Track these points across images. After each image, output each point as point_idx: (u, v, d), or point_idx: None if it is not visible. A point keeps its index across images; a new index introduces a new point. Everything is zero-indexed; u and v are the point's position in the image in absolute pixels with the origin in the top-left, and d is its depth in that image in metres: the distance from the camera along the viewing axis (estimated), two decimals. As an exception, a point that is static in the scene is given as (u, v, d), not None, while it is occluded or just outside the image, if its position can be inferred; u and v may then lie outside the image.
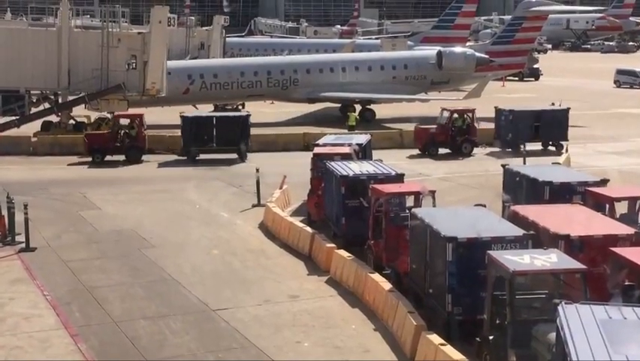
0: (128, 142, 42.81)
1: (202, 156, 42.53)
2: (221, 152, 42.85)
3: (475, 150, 44.30)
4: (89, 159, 42.45)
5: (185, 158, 42.65)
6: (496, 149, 44.16)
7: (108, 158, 42.39)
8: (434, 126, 44.83)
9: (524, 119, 44.33)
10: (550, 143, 45.13)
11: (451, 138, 44.12)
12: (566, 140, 44.60)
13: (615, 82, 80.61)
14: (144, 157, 42.93)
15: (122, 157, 42.42)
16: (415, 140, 44.83)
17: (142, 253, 27.13)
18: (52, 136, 46.61)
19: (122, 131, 42.99)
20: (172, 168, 41.67)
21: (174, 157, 43.32)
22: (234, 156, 42.74)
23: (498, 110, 45.24)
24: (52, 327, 20.99)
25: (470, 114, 44.59)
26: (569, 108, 45.90)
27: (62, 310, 21.94)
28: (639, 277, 16.40)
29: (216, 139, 42.68)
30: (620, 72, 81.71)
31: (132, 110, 45.41)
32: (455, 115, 44.64)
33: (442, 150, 43.96)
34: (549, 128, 44.52)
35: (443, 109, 45.63)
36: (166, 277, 24.65)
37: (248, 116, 44.15)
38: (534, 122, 44.31)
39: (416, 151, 44.55)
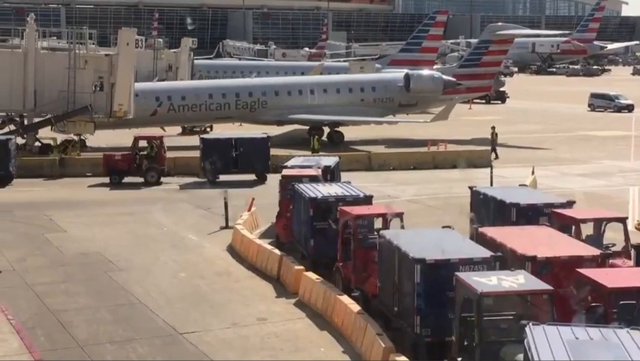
0: None
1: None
2: None
3: (170, 180, 42.69)
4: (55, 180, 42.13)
5: None
6: (202, 179, 42.33)
7: None
8: (123, 153, 43.08)
9: (220, 147, 42.10)
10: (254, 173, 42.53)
11: (137, 166, 42.20)
12: (267, 170, 42.36)
13: (589, 105, 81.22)
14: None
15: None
16: (103, 166, 42.84)
17: (108, 276, 26.87)
18: (18, 158, 46.10)
19: None
20: (135, 190, 41.38)
21: None
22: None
23: (201, 139, 43.10)
24: (17, 351, 20.66)
25: (158, 141, 42.84)
26: (269, 137, 44.02)
27: (27, 335, 21.60)
28: (604, 297, 16.53)
29: None
30: (594, 96, 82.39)
31: None
32: (144, 142, 42.73)
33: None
34: (248, 157, 42.12)
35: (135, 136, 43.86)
36: (133, 301, 24.41)
37: (9, 139, 42.60)
38: (232, 151, 42.00)
39: (384, 173, 44.74)
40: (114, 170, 42.53)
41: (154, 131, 50.13)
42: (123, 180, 42.38)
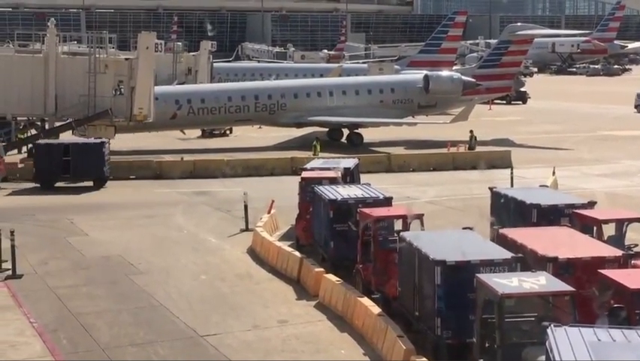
0: None
1: None
2: None
3: (7, 185, 41.84)
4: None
5: None
6: (37, 184, 41.60)
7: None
8: None
9: (53, 153, 41.27)
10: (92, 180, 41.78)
11: None
12: (104, 177, 41.87)
13: (636, 107, 78.51)
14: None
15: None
16: None
17: (130, 279, 26.99)
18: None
19: None
20: (155, 193, 41.54)
21: None
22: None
23: (34, 145, 42.48)
24: (39, 355, 20.81)
25: None
26: (103, 142, 42.73)
27: (49, 338, 21.77)
28: (627, 298, 16.41)
29: None
30: None
31: None
32: None
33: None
34: (81, 162, 41.23)
35: None
36: (154, 303, 24.51)
37: None
38: (64, 157, 41.08)
39: (404, 175, 44.71)
40: None
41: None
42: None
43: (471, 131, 52.50)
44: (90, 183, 42.06)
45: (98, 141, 43.32)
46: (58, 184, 41.92)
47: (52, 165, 41.42)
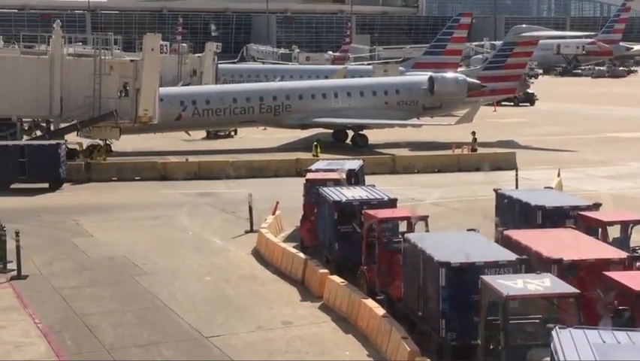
0: None
1: None
2: None
3: None
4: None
5: None
6: None
7: None
8: None
9: (7, 154, 40.93)
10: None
11: None
12: (59, 178, 41.39)
13: None
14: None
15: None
16: None
17: (134, 280, 27.03)
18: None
19: None
20: (160, 194, 41.58)
21: None
22: None
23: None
24: (44, 355, 20.84)
25: None
26: (59, 143, 42.28)
27: (54, 339, 21.80)
28: (632, 300, 16.39)
29: None
30: None
31: None
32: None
33: None
34: (37, 164, 40.65)
35: None
36: (159, 305, 24.54)
37: None
38: (19, 158, 40.61)
39: (409, 176, 44.72)
40: None
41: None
42: None
43: (473, 133, 52.54)
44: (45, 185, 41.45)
45: (54, 142, 43.07)
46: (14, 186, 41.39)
47: (8, 167, 41.01)
